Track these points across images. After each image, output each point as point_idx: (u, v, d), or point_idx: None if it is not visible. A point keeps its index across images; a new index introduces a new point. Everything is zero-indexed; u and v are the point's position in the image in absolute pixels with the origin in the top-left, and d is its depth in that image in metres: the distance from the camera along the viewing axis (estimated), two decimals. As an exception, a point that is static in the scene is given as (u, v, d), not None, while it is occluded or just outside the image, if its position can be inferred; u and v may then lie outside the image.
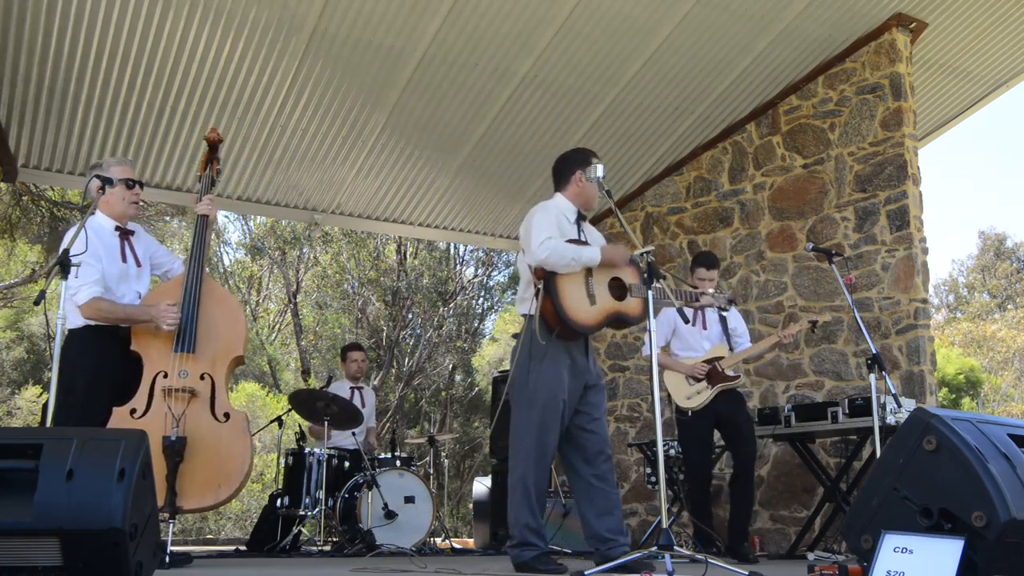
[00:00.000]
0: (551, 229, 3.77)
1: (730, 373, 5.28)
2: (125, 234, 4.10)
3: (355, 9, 5.79)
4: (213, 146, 4.42)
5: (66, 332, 3.78)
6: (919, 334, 6.04)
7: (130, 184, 4.11)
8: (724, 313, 5.09)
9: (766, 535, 6.51)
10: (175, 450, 3.78)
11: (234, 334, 4.17)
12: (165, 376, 3.94)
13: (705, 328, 5.42)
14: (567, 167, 4.02)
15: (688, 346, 5.42)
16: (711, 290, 4.79)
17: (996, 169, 50.61)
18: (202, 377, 4.00)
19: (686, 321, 3.79)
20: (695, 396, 5.26)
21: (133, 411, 3.86)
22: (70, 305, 3.83)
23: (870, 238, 6.39)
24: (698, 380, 5.25)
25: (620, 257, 3.90)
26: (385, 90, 6.58)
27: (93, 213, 4.03)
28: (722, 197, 7.42)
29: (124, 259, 4.05)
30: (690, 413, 5.25)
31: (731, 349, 5.37)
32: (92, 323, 3.90)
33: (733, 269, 7.17)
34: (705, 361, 5.30)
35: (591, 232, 4.08)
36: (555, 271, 3.72)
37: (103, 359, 3.91)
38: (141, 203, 4.34)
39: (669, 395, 5.38)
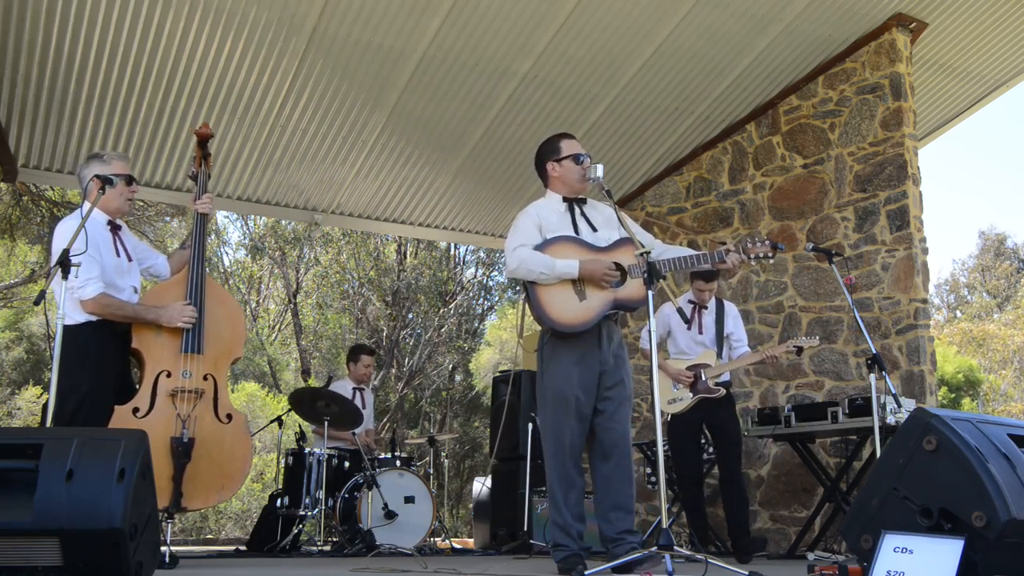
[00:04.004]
0: (525, 235, 3.75)
1: (712, 385, 5.27)
2: (115, 229, 4.10)
3: (355, 9, 5.79)
4: (205, 141, 4.39)
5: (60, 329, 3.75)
6: (919, 334, 6.04)
7: (129, 181, 4.14)
8: (771, 260, 4.08)
9: (766, 535, 6.50)
10: (185, 451, 3.80)
11: (235, 335, 4.21)
12: (168, 375, 3.95)
13: (701, 332, 5.41)
14: (540, 163, 4.02)
15: (680, 349, 5.45)
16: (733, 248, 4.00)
17: (996, 169, 50.63)
18: (205, 378, 4.03)
19: (686, 321, 3.73)
20: (676, 402, 5.31)
21: (136, 410, 3.86)
22: (70, 301, 3.81)
23: (870, 238, 6.39)
24: (683, 385, 5.29)
25: (600, 274, 3.67)
26: (385, 90, 6.58)
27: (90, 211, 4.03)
28: (722, 197, 7.42)
29: (118, 253, 4.05)
30: (670, 417, 5.32)
31: (720, 355, 5.37)
32: (93, 319, 3.87)
33: (733, 269, 7.17)
34: (690, 367, 5.30)
35: (596, 212, 3.94)
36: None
37: (104, 356, 3.90)
38: (139, 202, 4.37)
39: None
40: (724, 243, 5.06)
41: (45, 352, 15.25)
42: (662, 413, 5.30)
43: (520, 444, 7.03)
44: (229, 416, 4.04)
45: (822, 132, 6.80)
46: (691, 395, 5.27)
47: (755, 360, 5.35)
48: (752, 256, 3.90)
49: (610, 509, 3.67)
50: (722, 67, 6.68)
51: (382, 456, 6.46)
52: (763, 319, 6.88)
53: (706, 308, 5.46)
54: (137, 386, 4.01)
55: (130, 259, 4.11)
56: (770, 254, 3.90)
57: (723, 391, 5.29)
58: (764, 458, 6.65)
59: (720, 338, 5.41)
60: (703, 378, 5.27)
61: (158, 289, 4.19)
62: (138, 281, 4.16)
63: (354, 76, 6.40)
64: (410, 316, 16.56)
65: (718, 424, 5.30)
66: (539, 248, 3.73)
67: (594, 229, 3.85)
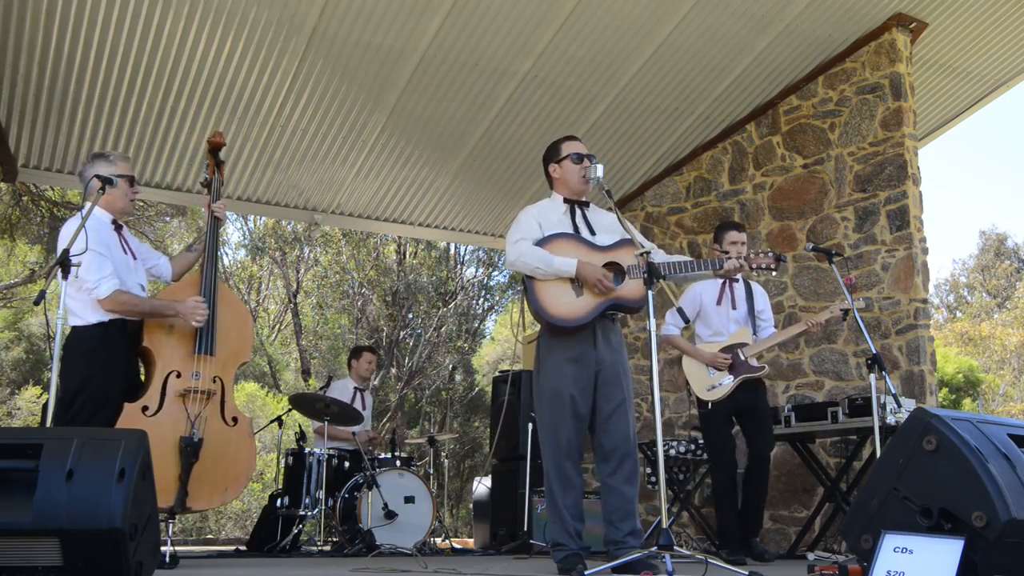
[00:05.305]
0: (527, 230, 3.77)
1: (754, 363, 4.94)
2: (118, 228, 4.11)
3: (355, 9, 5.79)
4: (217, 149, 4.44)
5: (68, 329, 3.75)
6: (919, 334, 6.04)
7: (132, 182, 4.16)
8: (773, 273, 4.14)
9: (766, 535, 6.51)
10: (194, 451, 3.83)
11: (244, 339, 4.29)
12: (178, 376, 3.97)
13: (734, 308, 5.05)
14: (545, 166, 4.03)
15: (715, 330, 5.04)
16: (734, 256, 4.11)
17: (996, 169, 50.63)
18: (214, 380, 4.06)
19: (685, 321, 3.71)
20: (716, 388, 4.94)
21: (145, 408, 3.88)
22: (80, 302, 3.81)
23: (870, 238, 6.39)
24: (719, 370, 4.93)
25: (594, 279, 3.65)
26: (385, 90, 6.58)
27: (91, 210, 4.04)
28: (722, 197, 7.42)
29: (124, 251, 4.06)
30: (710, 405, 4.93)
31: (755, 333, 5.04)
32: (105, 320, 3.85)
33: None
34: (726, 348, 4.96)
35: (598, 217, 3.93)
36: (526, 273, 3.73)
37: (112, 357, 3.89)
38: (139, 202, 4.39)
39: (688, 385, 5.08)
40: (726, 252, 4.95)
41: (45, 352, 15.25)
42: (702, 402, 4.97)
43: (520, 444, 7.04)
44: (235, 419, 4.10)
45: (822, 132, 6.80)
46: (731, 378, 4.89)
47: (796, 333, 5.01)
48: (754, 266, 3.91)
49: (613, 512, 3.67)
50: (722, 67, 6.68)
51: (382, 456, 6.47)
52: (763, 319, 6.88)
53: (736, 281, 5.10)
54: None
55: (135, 258, 4.13)
56: (772, 266, 3.90)
57: (766, 367, 4.97)
58: (764, 458, 6.64)
59: (753, 315, 5.07)
60: (742, 357, 4.90)
61: (172, 290, 4.20)
62: (144, 280, 4.17)
63: (354, 76, 6.40)
64: (410, 316, 16.56)
65: (751, 411, 4.94)
66: (540, 243, 3.75)
67: (593, 233, 3.85)
